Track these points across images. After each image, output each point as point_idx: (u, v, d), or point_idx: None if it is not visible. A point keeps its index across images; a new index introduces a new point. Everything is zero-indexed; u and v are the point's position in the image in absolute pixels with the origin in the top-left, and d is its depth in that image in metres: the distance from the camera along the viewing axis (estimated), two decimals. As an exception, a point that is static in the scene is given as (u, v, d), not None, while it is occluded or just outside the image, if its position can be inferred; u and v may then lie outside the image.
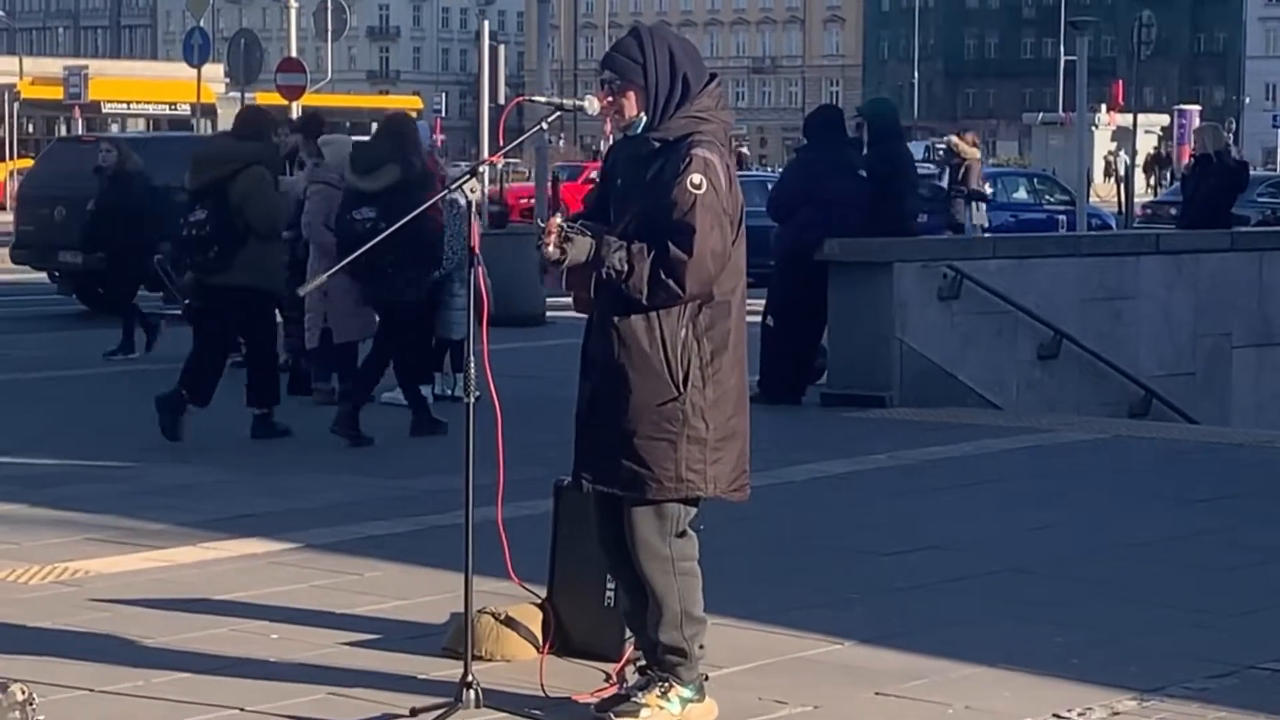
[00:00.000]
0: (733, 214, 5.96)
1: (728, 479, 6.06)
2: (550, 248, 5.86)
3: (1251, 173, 26.49)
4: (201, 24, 41.08)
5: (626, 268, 5.86)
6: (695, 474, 5.98)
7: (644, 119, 5.99)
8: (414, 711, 6.09)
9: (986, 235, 23.26)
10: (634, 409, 5.93)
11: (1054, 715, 6.31)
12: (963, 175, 25.69)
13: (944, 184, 25.91)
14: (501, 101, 28.50)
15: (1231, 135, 62.68)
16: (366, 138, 13.47)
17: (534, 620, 6.84)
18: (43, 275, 24.00)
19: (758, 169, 67.51)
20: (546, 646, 6.75)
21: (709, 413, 5.97)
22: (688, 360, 5.95)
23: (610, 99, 6.01)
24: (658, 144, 5.96)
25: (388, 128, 12.42)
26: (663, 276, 5.85)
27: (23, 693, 5.99)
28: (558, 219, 5.91)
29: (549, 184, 26.19)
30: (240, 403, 12.38)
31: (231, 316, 12.32)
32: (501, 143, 6.62)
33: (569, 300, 6.17)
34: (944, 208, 25.88)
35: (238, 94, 40.66)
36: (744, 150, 75.45)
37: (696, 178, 5.86)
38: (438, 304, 13.44)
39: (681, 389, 5.94)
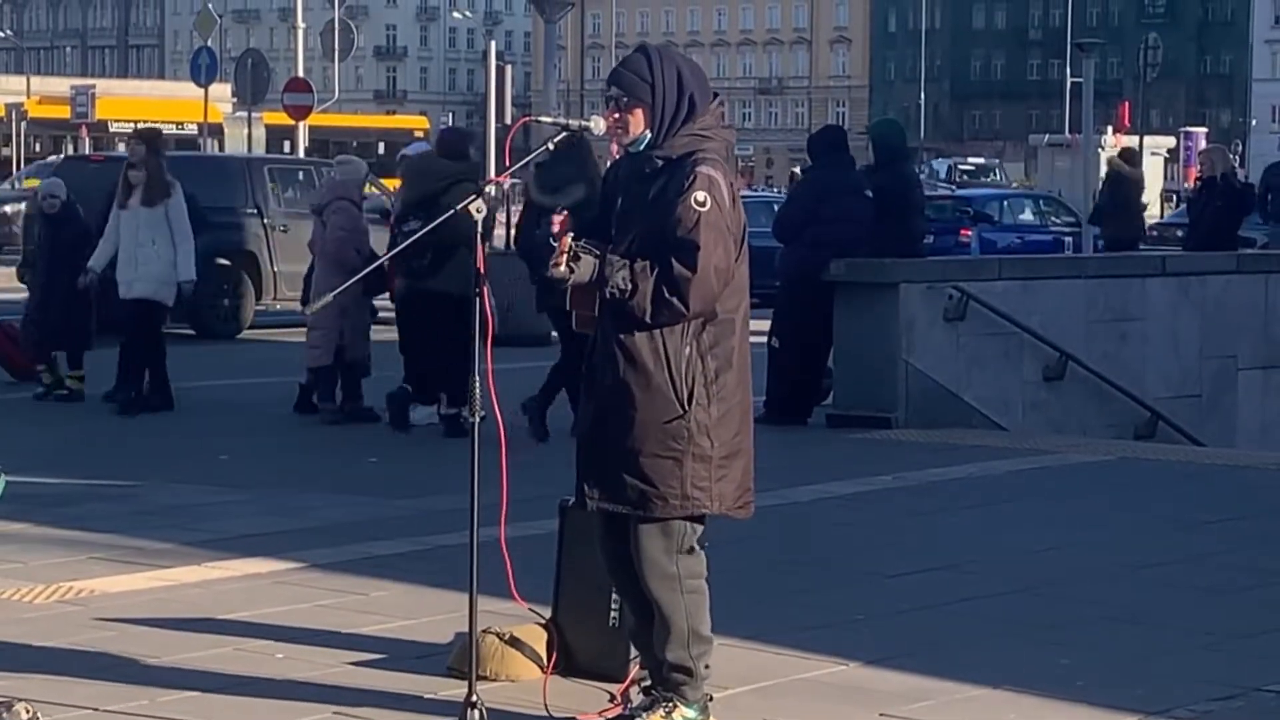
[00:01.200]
0: (736, 231, 5.96)
1: (733, 496, 6.06)
2: (562, 268, 5.87)
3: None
4: (209, 44, 41.11)
5: (630, 286, 5.85)
6: (701, 491, 5.98)
7: (647, 136, 5.99)
8: (418, 731, 6.08)
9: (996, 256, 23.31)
10: (639, 427, 5.93)
11: (1059, 737, 6.32)
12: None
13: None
14: (508, 121, 28.53)
15: (1238, 158, 62.78)
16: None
17: (538, 640, 6.83)
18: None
19: (763, 189, 67.48)
20: (551, 666, 6.74)
21: (714, 430, 5.97)
22: (692, 378, 5.94)
23: (617, 115, 6.01)
24: (661, 162, 5.96)
25: (569, 149, 12.31)
26: (666, 294, 5.85)
27: (27, 712, 5.99)
28: (569, 238, 5.91)
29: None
30: (236, 424, 12.38)
31: (439, 319, 12.80)
32: (508, 163, 6.60)
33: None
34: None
35: (244, 114, 40.79)
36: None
37: (701, 195, 5.86)
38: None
39: (686, 406, 5.93)
